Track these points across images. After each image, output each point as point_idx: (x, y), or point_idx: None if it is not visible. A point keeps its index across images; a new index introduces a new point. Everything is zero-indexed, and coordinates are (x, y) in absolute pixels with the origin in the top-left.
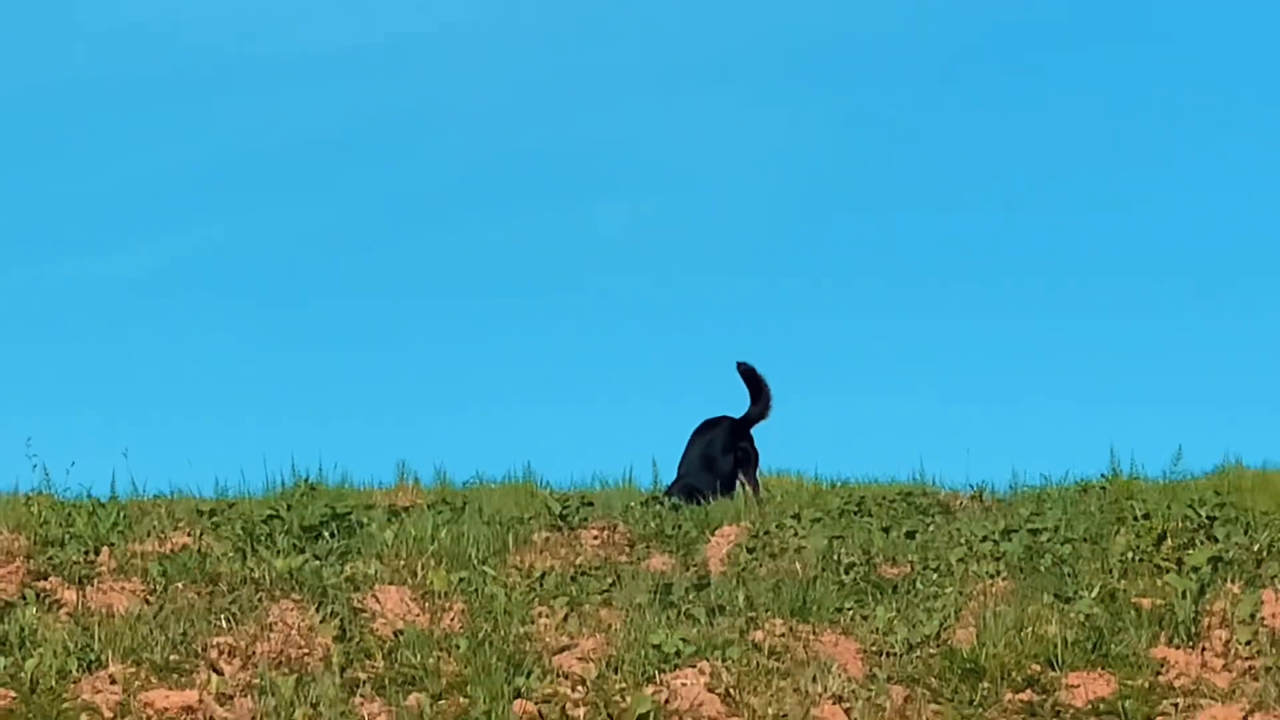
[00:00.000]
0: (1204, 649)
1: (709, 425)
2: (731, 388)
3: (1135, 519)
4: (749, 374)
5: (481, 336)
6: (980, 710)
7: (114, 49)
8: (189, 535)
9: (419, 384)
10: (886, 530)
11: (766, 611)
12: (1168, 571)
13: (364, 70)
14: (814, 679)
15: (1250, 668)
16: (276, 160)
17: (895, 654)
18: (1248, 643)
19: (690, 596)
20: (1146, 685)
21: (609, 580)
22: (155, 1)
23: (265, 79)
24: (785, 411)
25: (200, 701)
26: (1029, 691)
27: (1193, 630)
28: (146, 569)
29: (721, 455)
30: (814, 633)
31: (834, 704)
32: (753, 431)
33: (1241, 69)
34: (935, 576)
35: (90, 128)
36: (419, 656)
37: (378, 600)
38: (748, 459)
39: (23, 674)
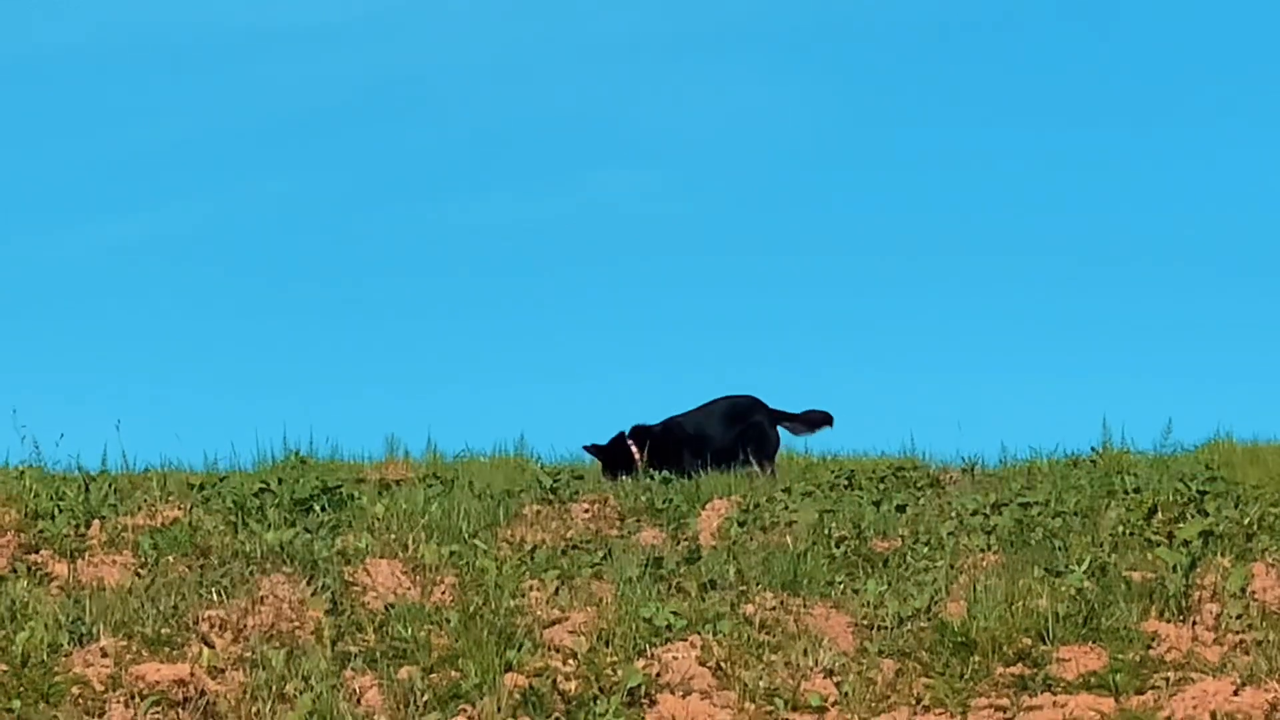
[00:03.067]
0: (1195, 623)
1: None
2: (723, 360)
3: (1126, 493)
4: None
5: (472, 309)
6: (971, 684)
7: (102, 19)
8: (180, 508)
9: (410, 357)
10: (877, 504)
11: (757, 585)
12: (1158, 545)
13: (353, 42)
14: (805, 652)
15: (1241, 641)
16: (267, 133)
17: (886, 627)
18: (1238, 616)
19: (681, 570)
20: (1137, 659)
21: (600, 554)
22: None
23: (252, 51)
24: (777, 385)
25: (191, 674)
26: (1020, 665)
27: (1183, 604)
28: (137, 542)
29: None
30: (805, 606)
31: (825, 677)
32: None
33: (1245, 49)
34: (926, 550)
35: (81, 99)
36: (410, 630)
37: (369, 574)
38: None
39: (14, 647)
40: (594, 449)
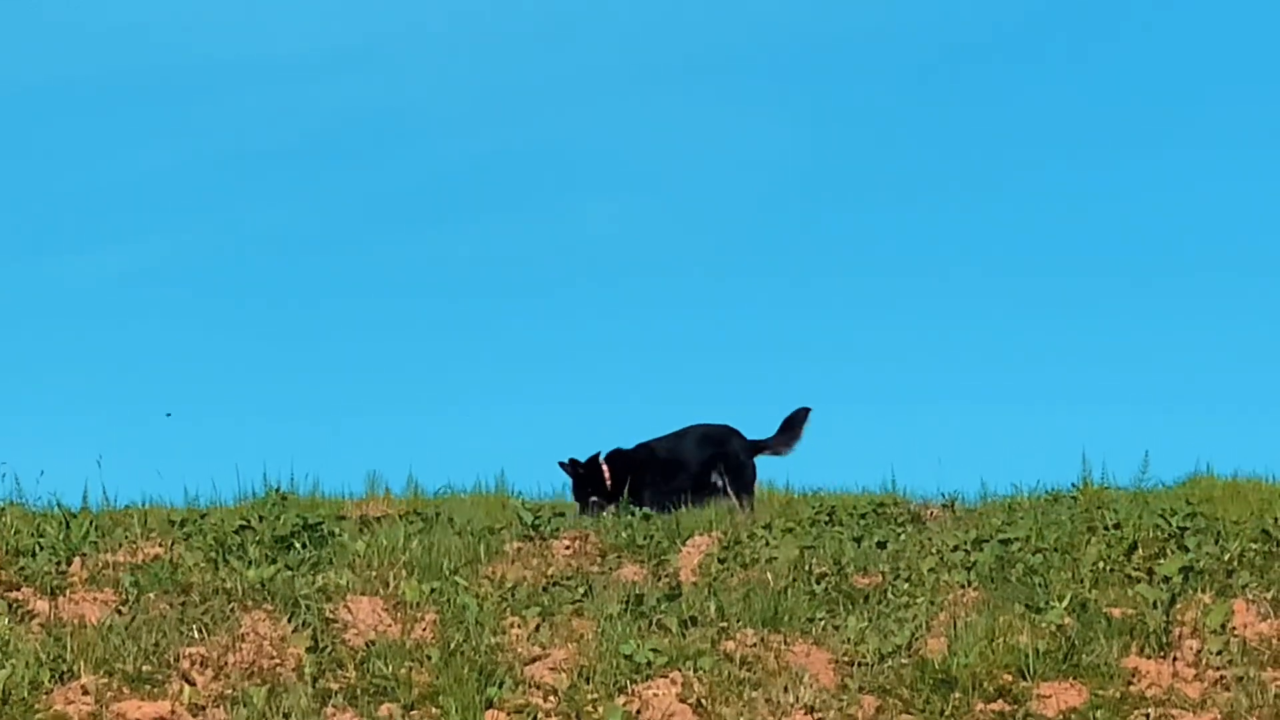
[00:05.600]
0: (1175, 659)
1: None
2: (704, 393)
3: (1106, 529)
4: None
5: (455, 343)
6: None
7: (87, 50)
8: (161, 545)
9: (391, 391)
10: (858, 540)
11: (738, 622)
12: (1139, 581)
13: (335, 73)
14: (785, 689)
15: (1221, 678)
16: (248, 164)
17: (867, 664)
18: (1219, 652)
19: (662, 607)
20: (1118, 695)
21: (581, 590)
22: (132, 4)
23: (233, 82)
24: (757, 420)
25: (172, 712)
26: (1000, 701)
27: (1164, 640)
28: (118, 579)
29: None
30: (785, 643)
31: (806, 714)
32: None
33: (1228, 68)
34: (906, 586)
35: (63, 129)
36: (391, 667)
37: (350, 611)
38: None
39: None
40: (568, 466)
